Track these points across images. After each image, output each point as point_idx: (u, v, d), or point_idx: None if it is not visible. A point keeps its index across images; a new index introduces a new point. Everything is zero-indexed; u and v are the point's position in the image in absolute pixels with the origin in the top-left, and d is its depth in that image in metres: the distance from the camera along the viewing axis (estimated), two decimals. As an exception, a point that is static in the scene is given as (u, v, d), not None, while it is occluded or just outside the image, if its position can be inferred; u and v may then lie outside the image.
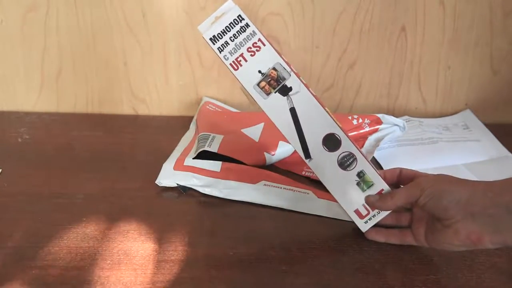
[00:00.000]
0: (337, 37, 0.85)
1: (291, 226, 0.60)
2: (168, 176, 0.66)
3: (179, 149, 0.74)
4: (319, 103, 0.56)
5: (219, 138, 0.72)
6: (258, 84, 0.56)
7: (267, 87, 0.56)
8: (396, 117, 0.80)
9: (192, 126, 0.83)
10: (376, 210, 0.56)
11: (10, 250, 0.54)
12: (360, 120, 0.77)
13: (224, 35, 0.56)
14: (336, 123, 0.55)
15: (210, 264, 0.53)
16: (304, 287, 0.51)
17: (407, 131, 0.79)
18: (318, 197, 0.64)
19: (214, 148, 0.69)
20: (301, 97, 0.55)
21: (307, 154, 0.57)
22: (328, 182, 0.57)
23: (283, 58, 0.56)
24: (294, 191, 0.65)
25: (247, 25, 0.55)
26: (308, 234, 0.59)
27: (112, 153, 0.76)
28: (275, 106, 0.56)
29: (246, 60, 0.56)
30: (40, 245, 0.55)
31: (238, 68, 0.56)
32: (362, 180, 0.55)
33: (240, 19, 0.56)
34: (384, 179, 0.56)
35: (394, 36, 0.86)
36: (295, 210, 0.63)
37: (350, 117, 0.77)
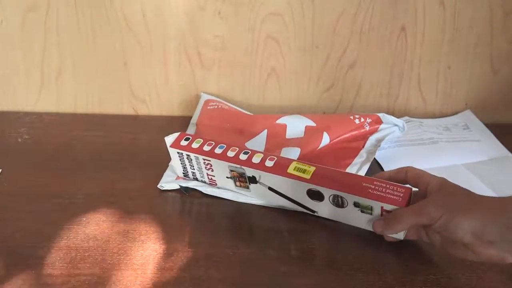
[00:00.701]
0: (337, 37, 0.85)
1: (291, 226, 0.60)
2: (170, 182, 0.66)
3: None
4: (278, 173, 0.58)
5: None
6: (236, 185, 0.62)
7: (242, 184, 0.61)
8: (396, 117, 0.80)
9: (191, 127, 0.82)
10: None
11: (10, 250, 0.54)
12: (362, 120, 0.77)
13: (187, 168, 0.65)
14: (303, 180, 0.56)
15: (210, 264, 0.53)
16: (304, 287, 0.51)
17: (408, 132, 0.79)
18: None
19: None
20: (266, 178, 0.59)
21: (311, 210, 0.59)
22: (342, 220, 0.58)
23: (230, 159, 0.60)
24: None
25: (188, 155, 0.63)
26: (308, 234, 0.59)
27: (112, 153, 0.76)
28: (259, 193, 0.61)
29: (214, 176, 0.63)
30: (40, 245, 0.55)
31: (216, 183, 0.64)
32: (362, 207, 0.55)
33: (180, 153, 0.63)
34: (389, 179, 0.55)
35: (394, 36, 0.86)
36: (298, 210, 0.63)
37: (351, 117, 0.78)
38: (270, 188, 0.59)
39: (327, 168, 0.57)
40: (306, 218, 0.62)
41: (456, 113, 0.91)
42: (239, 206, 0.64)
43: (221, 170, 0.61)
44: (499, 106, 0.91)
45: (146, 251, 0.55)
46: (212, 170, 0.62)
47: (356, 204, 0.54)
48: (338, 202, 0.55)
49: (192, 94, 0.89)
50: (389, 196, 0.53)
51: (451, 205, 0.49)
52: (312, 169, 0.57)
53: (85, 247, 0.55)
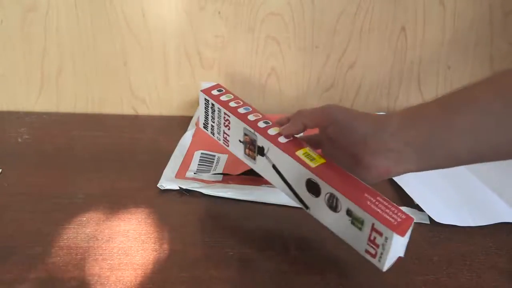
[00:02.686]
0: (337, 37, 0.85)
1: (291, 226, 0.60)
2: (170, 180, 0.67)
3: (179, 154, 0.74)
4: (286, 152, 0.54)
5: (223, 159, 0.73)
6: (244, 153, 0.59)
7: (250, 152, 0.58)
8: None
9: (191, 128, 0.82)
10: (382, 243, 0.47)
11: (10, 250, 0.54)
12: None
13: (208, 119, 0.62)
14: (307, 167, 0.52)
15: (210, 264, 0.53)
16: (304, 287, 0.51)
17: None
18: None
19: (219, 171, 0.70)
20: (273, 152, 0.55)
21: (305, 205, 0.55)
22: (332, 227, 0.53)
23: (248, 122, 0.57)
24: None
25: (213, 104, 0.60)
26: (308, 233, 0.59)
27: (112, 153, 0.76)
28: (263, 168, 0.58)
29: (228, 135, 0.60)
30: (40, 245, 0.55)
31: (228, 144, 0.61)
32: (353, 218, 0.49)
33: (207, 101, 0.61)
34: (288, 120, 0.56)
35: (394, 36, 0.86)
36: (298, 207, 0.63)
37: None
38: (273, 166, 0.56)
39: (336, 166, 0.53)
40: (306, 217, 0.62)
41: (456, 113, 0.91)
42: (239, 206, 0.64)
43: (236, 131, 0.59)
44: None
45: (146, 251, 0.55)
46: (229, 128, 0.60)
47: (348, 212, 0.50)
48: (332, 204, 0.51)
49: (192, 94, 0.89)
50: (385, 215, 0.47)
51: (350, 110, 0.51)
52: (321, 161, 0.53)
53: (85, 247, 0.55)
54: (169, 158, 0.72)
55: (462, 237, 0.60)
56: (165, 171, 0.69)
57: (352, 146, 0.49)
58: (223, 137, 0.61)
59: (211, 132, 0.63)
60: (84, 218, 0.60)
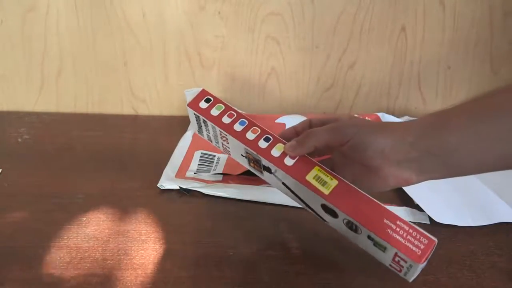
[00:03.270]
0: (337, 37, 0.85)
1: (291, 226, 0.60)
2: (170, 180, 0.67)
3: (179, 154, 0.74)
4: (295, 177, 0.51)
5: (223, 159, 0.73)
6: (249, 165, 0.56)
7: (256, 167, 0.55)
8: (397, 117, 0.80)
9: (191, 128, 0.82)
10: (407, 266, 0.47)
11: (10, 250, 0.54)
12: None
13: (202, 129, 0.58)
14: (320, 194, 0.49)
15: (210, 264, 0.53)
16: (304, 287, 0.51)
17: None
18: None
19: (219, 171, 0.70)
20: (281, 174, 0.52)
21: (322, 219, 0.53)
22: (353, 241, 0.51)
23: (248, 142, 0.53)
24: None
25: (205, 121, 0.55)
26: (309, 233, 0.59)
27: (112, 153, 0.76)
28: (273, 181, 0.55)
29: (228, 147, 0.56)
30: (40, 245, 0.55)
31: (230, 154, 0.58)
32: (375, 242, 0.48)
33: (197, 116, 0.56)
34: (296, 134, 0.53)
35: (394, 36, 0.86)
36: (299, 206, 0.63)
37: None
38: (284, 184, 0.54)
39: (350, 187, 0.50)
40: (306, 217, 0.62)
41: (456, 113, 0.91)
42: (239, 206, 0.64)
43: (236, 147, 0.55)
44: (499, 106, 0.91)
45: (146, 251, 0.55)
46: (228, 143, 0.56)
47: (370, 237, 0.48)
48: (352, 227, 0.49)
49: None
50: (408, 244, 0.46)
51: (363, 126, 0.49)
52: (334, 183, 0.50)
53: (85, 247, 0.55)
54: (169, 158, 0.72)
55: (462, 237, 0.60)
56: (165, 171, 0.69)
57: (369, 159, 0.48)
58: (223, 147, 0.58)
59: (208, 139, 0.59)
60: (84, 218, 0.60)
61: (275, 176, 0.54)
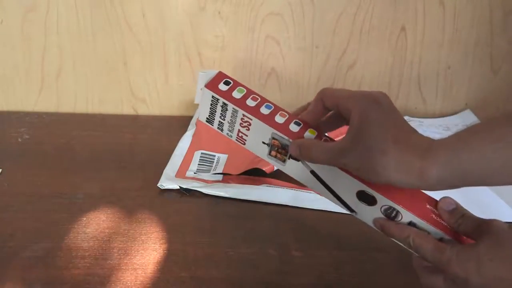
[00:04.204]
0: (337, 37, 0.85)
1: (291, 226, 0.60)
2: (170, 180, 0.67)
3: (179, 154, 0.74)
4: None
5: (223, 159, 0.73)
6: (269, 154, 0.51)
7: (278, 155, 0.50)
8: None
9: (191, 128, 0.82)
10: None
11: (10, 250, 0.54)
12: None
13: (215, 115, 0.53)
14: (361, 182, 0.47)
15: (210, 264, 0.53)
16: (304, 287, 0.51)
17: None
18: (321, 196, 0.65)
19: (219, 171, 0.70)
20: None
21: (351, 209, 0.49)
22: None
23: (278, 126, 0.49)
24: (297, 190, 0.66)
25: (225, 104, 0.51)
26: (309, 233, 0.59)
27: (112, 153, 0.76)
28: (296, 170, 0.50)
29: (246, 135, 0.51)
30: (40, 245, 0.55)
31: (245, 143, 0.52)
32: (418, 228, 0.46)
33: (216, 99, 0.51)
34: (313, 114, 0.48)
35: (394, 36, 0.86)
36: (298, 206, 0.63)
37: None
38: (312, 172, 0.49)
39: None
40: (307, 217, 0.62)
41: (456, 113, 0.91)
42: (239, 206, 0.64)
43: (259, 133, 0.50)
44: (499, 106, 0.91)
45: (146, 251, 0.55)
46: (248, 129, 0.51)
47: (411, 224, 0.46)
48: (391, 214, 0.47)
49: (192, 94, 0.88)
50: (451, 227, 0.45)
51: (368, 148, 0.42)
52: None
53: (85, 247, 0.55)
54: (169, 158, 0.72)
55: (462, 237, 0.60)
56: (165, 170, 0.69)
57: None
58: (238, 135, 0.52)
59: (219, 128, 0.53)
60: (84, 218, 0.60)
61: (304, 163, 0.49)
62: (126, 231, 0.58)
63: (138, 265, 0.53)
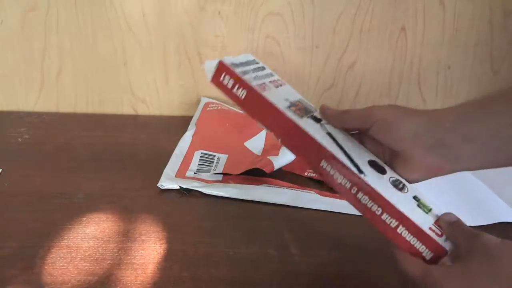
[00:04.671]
0: (337, 37, 0.85)
1: (291, 226, 0.60)
2: (170, 179, 0.67)
3: (179, 154, 0.74)
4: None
5: (223, 159, 0.73)
6: (289, 107, 0.51)
7: (298, 112, 0.51)
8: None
9: (192, 127, 0.82)
10: None
11: (10, 250, 0.54)
12: None
13: (243, 66, 0.54)
14: (372, 154, 0.50)
15: (210, 264, 0.53)
16: (304, 287, 0.51)
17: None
18: (321, 196, 0.65)
19: (219, 170, 0.70)
20: (334, 129, 0.50)
21: (360, 170, 0.48)
22: (392, 199, 0.48)
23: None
24: (297, 190, 0.66)
25: (264, 68, 0.55)
26: (309, 233, 0.59)
27: (112, 153, 0.76)
28: (312, 126, 0.51)
29: (271, 88, 0.53)
30: (40, 245, 0.55)
31: (263, 91, 0.52)
32: (420, 203, 0.47)
33: (256, 62, 0.55)
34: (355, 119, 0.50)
35: (394, 36, 0.86)
36: (298, 206, 0.63)
37: None
38: (329, 134, 0.50)
39: None
40: (307, 217, 0.62)
41: (456, 113, 0.91)
42: (239, 206, 0.64)
43: (285, 93, 0.53)
44: (499, 106, 0.91)
45: (146, 251, 0.55)
46: (276, 87, 0.54)
47: (415, 198, 0.47)
48: (398, 186, 0.47)
49: (192, 94, 0.89)
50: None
51: (396, 108, 0.46)
52: None
53: (85, 247, 0.55)
54: (169, 158, 0.72)
55: (462, 237, 0.60)
56: (165, 170, 0.69)
57: (399, 142, 0.45)
58: (260, 85, 0.53)
59: (242, 72, 0.54)
60: (84, 218, 0.60)
61: (322, 126, 0.51)
62: (126, 231, 0.58)
63: (138, 265, 0.53)
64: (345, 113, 0.49)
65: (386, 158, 0.49)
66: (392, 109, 0.47)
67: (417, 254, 0.45)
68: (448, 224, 0.45)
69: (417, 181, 0.48)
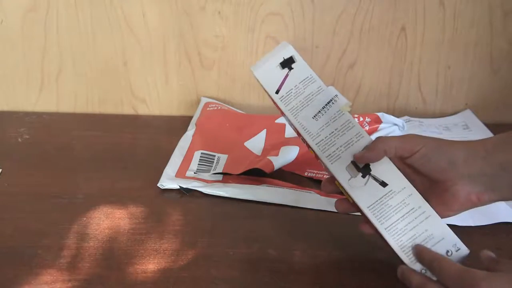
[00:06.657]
0: (337, 37, 0.85)
1: (291, 226, 0.60)
2: (170, 179, 0.67)
3: (179, 154, 0.74)
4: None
5: (223, 159, 0.73)
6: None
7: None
8: (396, 117, 0.79)
9: (192, 127, 0.83)
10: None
11: (10, 250, 0.54)
12: (361, 119, 0.77)
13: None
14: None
15: (210, 264, 0.53)
16: (304, 287, 0.51)
17: (408, 131, 0.79)
18: (322, 196, 0.65)
19: (219, 170, 0.70)
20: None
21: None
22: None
23: None
24: (297, 190, 0.66)
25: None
26: (309, 233, 0.59)
27: (112, 153, 0.76)
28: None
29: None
30: (40, 245, 0.55)
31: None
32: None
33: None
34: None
35: (394, 36, 0.86)
36: (299, 206, 0.63)
37: None
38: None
39: None
40: (307, 217, 0.62)
41: (456, 112, 0.91)
42: (239, 206, 0.64)
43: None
44: (499, 106, 0.91)
45: (146, 251, 0.55)
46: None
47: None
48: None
49: (192, 94, 0.89)
50: None
51: (433, 138, 0.48)
52: None
53: (85, 247, 0.55)
54: (169, 158, 0.72)
55: (462, 237, 0.59)
56: (165, 170, 0.69)
57: (438, 172, 0.46)
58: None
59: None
60: (84, 218, 0.60)
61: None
62: (126, 231, 0.58)
63: (138, 265, 0.53)
64: (379, 143, 0.48)
65: (424, 188, 0.49)
66: (432, 139, 0.48)
67: None
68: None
69: (449, 215, 0.48)
